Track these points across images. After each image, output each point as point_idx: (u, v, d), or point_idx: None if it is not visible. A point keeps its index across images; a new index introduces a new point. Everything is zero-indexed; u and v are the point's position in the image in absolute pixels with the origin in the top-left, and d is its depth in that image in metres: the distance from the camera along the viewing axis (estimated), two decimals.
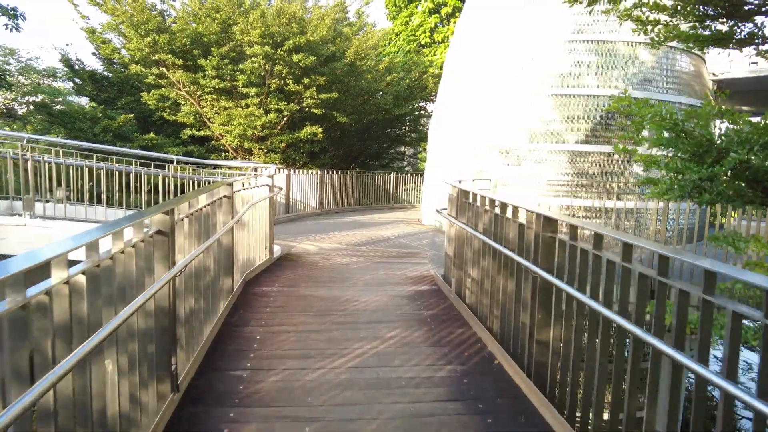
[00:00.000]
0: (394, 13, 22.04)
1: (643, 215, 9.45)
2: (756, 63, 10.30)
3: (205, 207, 4.07)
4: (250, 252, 6.21)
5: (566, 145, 9.63)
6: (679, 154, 4.41)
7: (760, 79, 10.37)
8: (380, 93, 16.87)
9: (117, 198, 8.38)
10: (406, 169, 24.47)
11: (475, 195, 4.93)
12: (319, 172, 14.26)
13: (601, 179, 9.60)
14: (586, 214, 9.58)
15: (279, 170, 12.31)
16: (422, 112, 21.12)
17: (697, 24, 4.53)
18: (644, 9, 4.40)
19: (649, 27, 4.70)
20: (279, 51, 13.10)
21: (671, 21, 4.61)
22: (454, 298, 5.30)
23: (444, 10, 19.46)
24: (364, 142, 18.33)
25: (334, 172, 14.92)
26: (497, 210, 4.30)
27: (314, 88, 13.88)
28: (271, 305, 5.02)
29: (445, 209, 6.13)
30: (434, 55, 19.17)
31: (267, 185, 6.82)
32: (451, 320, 4.78)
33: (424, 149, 26.43)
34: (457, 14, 19.44)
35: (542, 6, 10.19)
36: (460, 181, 6.21)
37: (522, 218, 3.81)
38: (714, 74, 10.70)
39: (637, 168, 9.75)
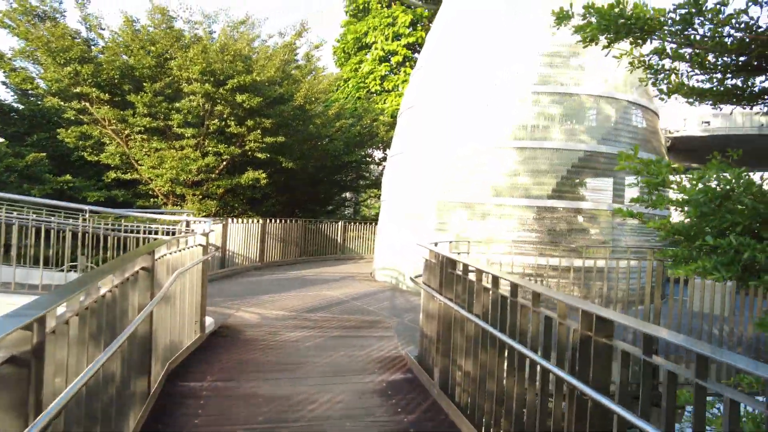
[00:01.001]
0: (343, 59, 21.66)
1: (608, 273, 8.95)
2: (708, 123, 10.41)
3: (111, 290, 2.87)
4: (176, 332, 4.91)
5: (532, 200, 9.08)
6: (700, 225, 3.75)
7: (712, 138, 10.48)
8: (328, 138, 16.07)
9: (14, 253, 6.78)
10: (347, 213, 23.53)
11: (466, 267, 4.00)
12: (260, 221, 13.00)
13: (568, 236, 9.07)
14: (554, 274, 8.95)
15: (216, 220, 10.98)
16: (369, 158, 20.52)
17: (717, 77, 4.00)
18: (662, 56, 3.80)
19: (661, 76, 4.14)
20: (221, 90, 12.02)
21: (691, 71, 4.07)
22: (438, 394, 4.25)
23: (394, 59, 19.25)
24: (310, 188, 17.29)
25: (277, 221, 13.70)
26: (504, 291, 3.39)
27: (259, 131, 12.83)
28: (201, 414, 3.75)
29: (421, 276, 5.17)
30: (384, 103, 18.76)
31: (201, 245, 5.60)
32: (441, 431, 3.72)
33: (371, 196, 25.78)
34: (408, 64, 19.29)
35: (505, 55, 9.86)
36: (436, 244, 5.30)
37: (549, 309, 2.92)
38: (669, 131, 10.72)
39: (595, 224, 9.35)
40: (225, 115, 12.67)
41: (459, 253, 5.89)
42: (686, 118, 10.54)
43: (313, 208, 18.60)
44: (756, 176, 4.11)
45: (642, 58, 3.96)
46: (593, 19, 4.22)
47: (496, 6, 10.32)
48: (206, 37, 12.78)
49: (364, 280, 10.99)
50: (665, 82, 4.27)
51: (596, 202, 9.32)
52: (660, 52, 3.72)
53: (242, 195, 14.48)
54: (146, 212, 9.15)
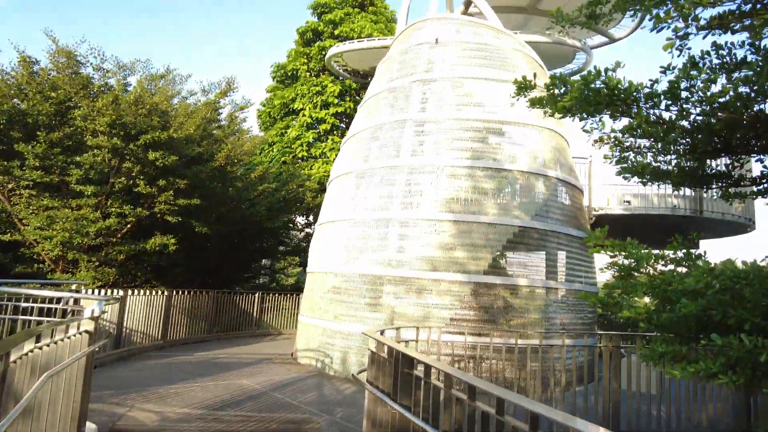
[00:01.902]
0: (268, 123, 21.15)
1: (546, 354, 8.59)
2: (629, 202, 10.88)
3: None
4: None
5: (470, 275, 8.67)
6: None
7: (631, 217, 10.93)
8: (249, 202, 15.07)
9: None
10: (262, 282, 21.96)
11: (428, 367, 3.29)
12: (165, 293, 11.49)
13: (505, 314, 8.69)
14: (493, 355, 8.42)
15: (110, 300, 9.45)
16: (291, 224, 19.62)
17: (684, 159, 3.84)
18: (632, 134, 3.56)
19: (631, 154, 3.92)
20: (132, 145, 10.84)
21: (652, 152, 3.87)
22: None
23: (322, 127, 19.03)
24: (225, 255, 15.91)
25: (185, 292, 12.22)
26: (486, 406, 2.70)
27: (171, 192, 11.63)
28: None
29: (364, 371, 4.37)
30: (311, 169, 18.24)
31: (88, 331, 4.42)
32: None
33: (291, 263, 24.51)
34: (336, 132, 19.15)
35: (437, 129, 9.78)
36: (382, 332, 4.56)
37: None
38: (594, 209, 11.05)
39: (530, 301, 9.09)
40: (134, 173, 11.40)
41: (407, 342, 5.18)
42: (609, 197, 10.97)
43: (228, 276, 17.11)
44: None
45: (613, 134, 3.71)
46: (558, 90, 3.98)
47: (429, 80, 10.38)
48: (119, 87, 11.66)
49: (286, 362, 9.80)
50: (630, 161, 4.06)
51: (531, 278, 9.12)
52: (633, 129, 3.46)
53: (147, 262, 12.89)
54: (23, 283, 7.55)
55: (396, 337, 5.07)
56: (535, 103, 4.48)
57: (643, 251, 3.56)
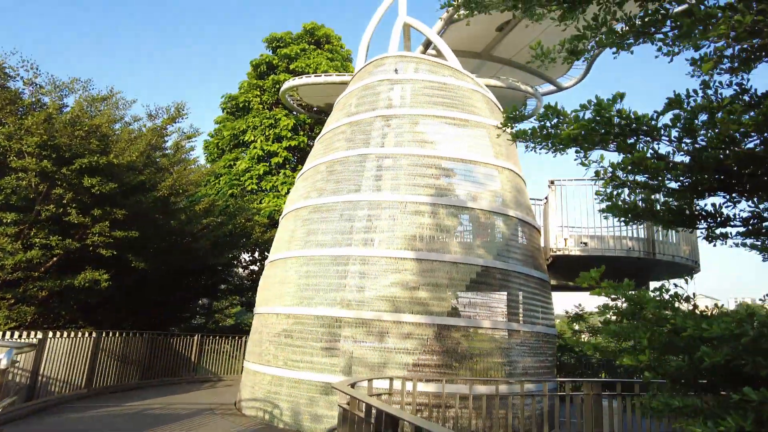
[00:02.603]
0: (216, 155, 20.31)
1: (514, 401, 8.21)
2: (585, 243, 10.96)
3: None
4: None
5: (433, 317, 8.25)
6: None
7: (587, 257, 10.98)
8: (191, 236, 14.08)
9: None
10: (199, 322, 20.42)
11: (419, 430, 2.79)
12: (92, 335, 10.29)
13: (470, 359, 8.27)
14: (456, 403, 7.94)
15: (27, 335, 8.29)
16: (235, 261, 18.58)
17: (671, 199, 3.69)
18: (631, 171, 3.36)
19: (626, 191, 3.72)
20: (64, 169, 9.83)
21: (646, 187, 3.69)
22: None
23: (274, 160, 18.43)
24: (163, 291, 14.68)
25: (117, 335, 11.04)
26: None
27: (107, 223, 10.59)
28: None
29: (334, 429, 3.77)
30: (261, 202, 17.48)
31: None
32: None
33: (232, 303, 23.12)
34: (288, 166, 18.61)
35: (398, 165, 9.52)
36: (353, 385, 4.01)
37: None
38: (552, 249, 11.03)
39: (494, 344, 8.75)
40: (66, 201, 10.31)
41: (379, 395, 4.63)
42: (567, 238, 11.02)
43: (164, 316, 15.77)
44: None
45: (610, 169, 3.49)
46: (549, 122, 3.76)
47: (390, 116, 10.20)
48: (54, 107, 10.62)
49: (229, 413, 8.84)
50: (622, 198, 3.87)
51: (494, 320, 8.81)
52: (636, 163, 3.25)
53: (74, 299, 11.59)
54: None
55: (368, 390, 4.52)
56: (519, 135, 4.25)
57: (648, 294, 3.30)
